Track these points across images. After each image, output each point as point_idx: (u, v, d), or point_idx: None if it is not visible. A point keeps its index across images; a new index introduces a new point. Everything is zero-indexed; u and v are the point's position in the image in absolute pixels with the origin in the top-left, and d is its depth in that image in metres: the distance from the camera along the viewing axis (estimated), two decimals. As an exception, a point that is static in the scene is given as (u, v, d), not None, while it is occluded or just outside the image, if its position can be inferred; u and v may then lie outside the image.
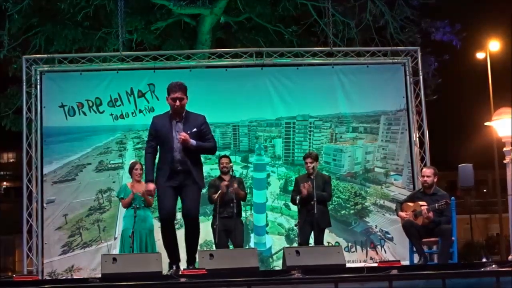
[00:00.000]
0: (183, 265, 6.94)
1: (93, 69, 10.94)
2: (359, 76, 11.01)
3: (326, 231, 9.07)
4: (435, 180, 8.42)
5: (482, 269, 6.18)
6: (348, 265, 7.63)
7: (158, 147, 6.94)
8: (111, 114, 10.73)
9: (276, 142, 11.00)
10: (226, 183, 8.71)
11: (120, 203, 9.38)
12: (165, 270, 6.81)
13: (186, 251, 6.93)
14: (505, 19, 21.05)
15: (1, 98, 14.58)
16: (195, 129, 6.80)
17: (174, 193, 6.81)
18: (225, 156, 9.20)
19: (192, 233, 6.90)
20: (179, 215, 10.47)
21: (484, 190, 35.12)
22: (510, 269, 6.10)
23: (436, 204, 8.07)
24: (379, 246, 10.58)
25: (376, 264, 7.67)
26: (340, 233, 10.59)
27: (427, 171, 8.57)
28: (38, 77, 10.72)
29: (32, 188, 10.45)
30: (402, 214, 8.40)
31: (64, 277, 10.08)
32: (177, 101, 6.72)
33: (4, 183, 36.47)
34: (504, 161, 11.05)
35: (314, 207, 8.38)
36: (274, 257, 10.52)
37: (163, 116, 6.94)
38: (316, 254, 7.00)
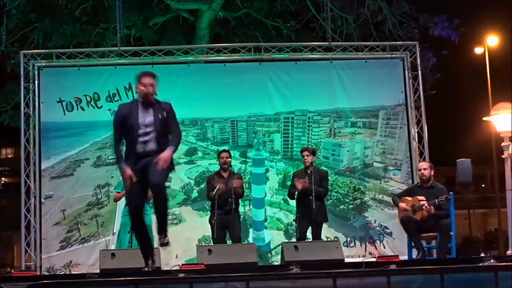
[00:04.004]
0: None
1: (91, 64, 10.94)
2: (357, 71, 10.99)
3: (325, 226, 9.06)
4: (432, 173, 8.44)
5: (481, 264, 6.17)
6: (347, 260, 7.63)
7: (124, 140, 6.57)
8: (109, 109, 10.70)
9: (275, 137, 10.98)
10: (222, 183, 8.61)
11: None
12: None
13: (157, 220, 6.55)
14: (503, 14, 21.06)
15: (-1, 94, 14.57)
16: (165, 113, 6.47)
17: (141, 180, 6.35)
18: (225, 150, 9.03)
19: (162, 201, 6.53)
20: (178, 210, 10.57)
21: (483, 185, 35.12)
22: (509, 264, 6.10)
23: (436, 200, 8.06)
24: (378, 241, 10.58)
25: (374, 259, 7.66)
26: (339, 228, 10.59)
27: (423, 164, 8.61)
28: (36, 73, 10.71)
29: (30, 184, 10.44)
30: (402, 205, 8.34)
31: (62, 273, 10.07)
32: (149, 86, 6.42)
33: (3, 178, 36.45)
34: (503, 156, 11.06)
35: (312, 202, 8.38)
36: (273, 252, 10.51)
37: (130, 103, 6.60)
38: (315, 249, 7.01)
